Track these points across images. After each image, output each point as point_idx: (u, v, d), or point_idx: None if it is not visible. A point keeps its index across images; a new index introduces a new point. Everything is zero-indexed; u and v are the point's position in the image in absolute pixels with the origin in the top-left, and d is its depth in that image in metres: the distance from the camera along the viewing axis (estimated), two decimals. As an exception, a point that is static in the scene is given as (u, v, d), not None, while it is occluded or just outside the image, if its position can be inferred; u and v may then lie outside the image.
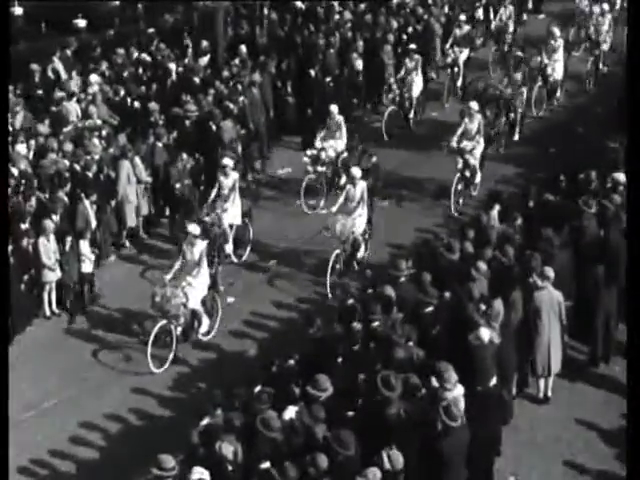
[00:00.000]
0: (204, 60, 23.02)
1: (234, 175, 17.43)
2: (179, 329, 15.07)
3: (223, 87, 21.20)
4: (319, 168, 19.25)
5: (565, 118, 23.50)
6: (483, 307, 13.04)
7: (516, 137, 22.30)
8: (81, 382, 14.70)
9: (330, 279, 16.64)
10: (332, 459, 10.68)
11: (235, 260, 17.72)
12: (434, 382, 11.66)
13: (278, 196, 20.32)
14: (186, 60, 22.89)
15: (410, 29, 25.43)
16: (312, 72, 22.44)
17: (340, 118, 19.67)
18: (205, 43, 23.29)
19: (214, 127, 19.59)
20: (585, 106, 24.30)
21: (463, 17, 25.59)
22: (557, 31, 23.95)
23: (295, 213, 19.39)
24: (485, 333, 12.44)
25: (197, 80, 21.53)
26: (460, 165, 19.29)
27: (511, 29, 27.20)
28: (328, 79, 22.71)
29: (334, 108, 19.68)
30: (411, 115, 23.24)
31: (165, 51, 22.74)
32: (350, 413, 11.70)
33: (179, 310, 14.82)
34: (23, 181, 16.86)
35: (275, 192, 20.53)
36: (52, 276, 16.07)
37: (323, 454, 10.68)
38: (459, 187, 19.40)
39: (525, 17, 30.64)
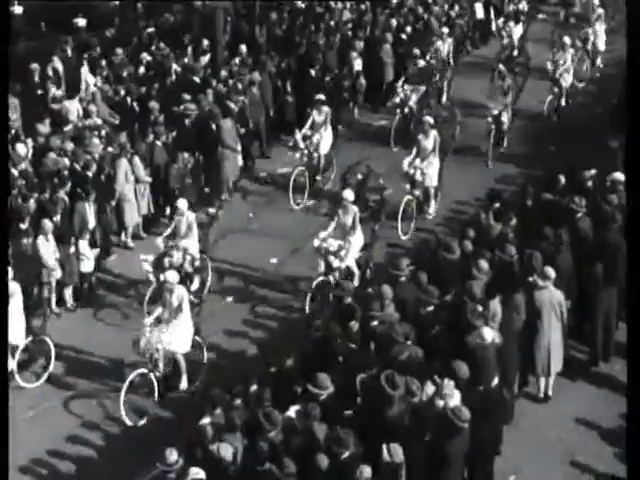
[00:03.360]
0: (204, 59, 23.03)
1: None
2: None
3: (221, 86, 21.21)
4: (161, 276, 15.16)
5: (565, 117, 23.47)
6: (480, 308, 13.03)
7: (430, 216, 19.07)
8: (81, 381, 14.68)
9: (124, 407, 13.71)
10: (332, 458, 10.71)
11: None
12: (434, 385, 11.71)
13: (119, 302, 16.79)
14: (186, 59, 22.88)
15: (409, 28, 25.47)
16: (312, 71, 22.44)
17: (191, 215, 16.20)
18: (205, 42, 23.29)
19: (214, 126, 19.59)
20: (585, 105, 24.29)
21: (417, 51, 22.87)
22: (504, 70, 21.73)
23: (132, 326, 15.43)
24: (488, 333, 12.45)
25: (197, 79, 21.53)
26: (322, 268, 16.00)
27: (448, 73, 24.56)
28: (328, 78, 22.72)
29: (182, 204, 16.09)
30: (319, 177, 20.01)
31: (165, 50, 22.75)
32: (349, 412, 11.72)
33: None
34: (23, 181, 16.87)
35: (116, 296, 16.97)
36: (52, 275, 16.05)
37: (323, 454, 10.71)
38: (324, 292, 15.72)
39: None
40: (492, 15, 28.93)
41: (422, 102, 22.28)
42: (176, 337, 13.97)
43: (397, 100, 22.05)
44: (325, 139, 19.77)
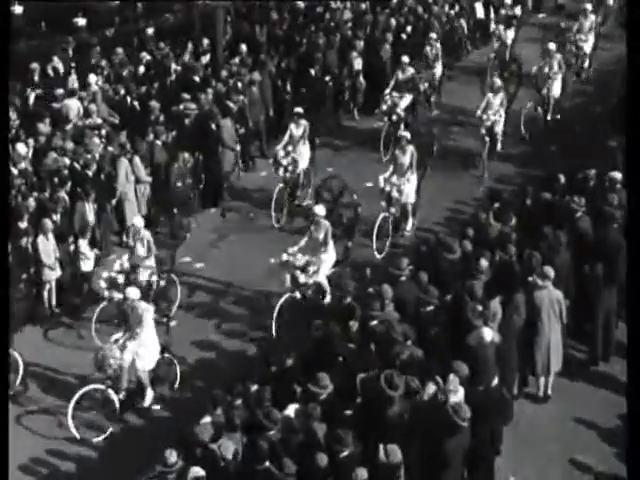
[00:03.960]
0: (205, 59, 23.03)
1: None
2: None
3: (221, 85, 21.22)
4: (115, 294, 14.98)
5: (564, 117, 23.46)
6: (480, 308, 13.04)
7: (407, 233, 18.48)
8: (81, 380, 14.58)
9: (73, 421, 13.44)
10: (332, 457, 10.71)
11: None
12: (435, 385, 11.70)
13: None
14: (186, 57, 22.88)
15: (409, 28, 25.44)
16: (312, 71, 22.43)
17: (147, 233, 15.75)
18: (206, 41, 23.30)
19: (213, 126, 19.59)
20: (584, 105, 24.28)
21: (406, 59, 21.96)
22: (498, 81, 20.90)
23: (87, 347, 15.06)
24: (487, 333, 12.46)
25: (197, 79, 21.53)
26: (288, 283, 15.63)
27: (438, 73, 23.71)
28: (328, 78, 22.73)
29: (138, 221, 15.81)
30: (298, 192, 19.35)
31: (165, 50, 22.76)
32: (348, 412, 11.73)
33: None
34: (22, 180, 16.89)
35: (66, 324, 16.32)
36: (52, 275, 16.07)
37: (322, 453, 10.72)
38: (290, 305, 15.48)
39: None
40: (492, 15, 28.81)
41: (409, 110, 21.85)
42: (138, 354, 13.73)
43: (384, 108, 21.38)
44: (303, 154, 19.18)
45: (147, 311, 13.87)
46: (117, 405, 13.76)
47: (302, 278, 15.44)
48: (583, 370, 14.65)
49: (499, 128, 20.69)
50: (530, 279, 13.83)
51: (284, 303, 15.42)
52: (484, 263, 13.96)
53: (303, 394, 11.93)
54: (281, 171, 18.86)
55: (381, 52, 24.03)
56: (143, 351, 13.81)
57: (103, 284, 15.30)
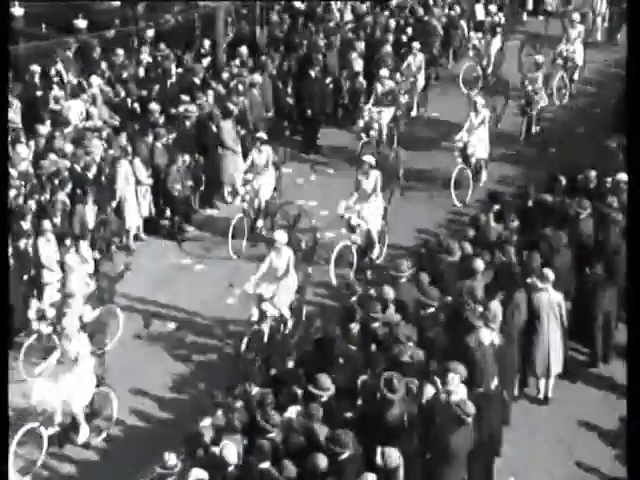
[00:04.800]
0: (205, 60, 23.03)
1: None
2: None
3: (221, 87, 21.23)
4: (43, 327, 14.66)
5: (565, 118, 23.47)
6: (480, 309, 13.04)
7: (374, 256, 17.24)
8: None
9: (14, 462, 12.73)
10: (332, 459, 10.72)
11: None
12: (437, 384, 11.71)
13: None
14: (186, 60, 22.88)
15: (410, 29, 25.42)
16: (312, 73, 22.43)
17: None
18: (207, 43, 23.31)
19: (214, 127, 19.60)
20: (585, 106, 24.28)
21: (385, 72, 21.46)
22: (481, 100, 19.96)
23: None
24: (485, 335, 12.46)
25: (197, 80, 21.55)
26: (255, 317, 14.86)
27: (420, 86, 23.22)
28: (328, 80, 22.73)
29: (76, 266, 15.15)
30: (259, 224, 18.17)
31: (165, 51, 22.77)
32: (349, 414, 11.73)
33: None
34: (22, 182, 16.90)
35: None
36: (52, 276, 16.06)
37: (322, 454, 10.72)
38: (258, 337, 14.84)
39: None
40: (494, 17, 28.69)
41: (391, 124, 21.31)
42: (73, 389, 13.07)
43: (361, 124, 20.64)
44: (266, 182, 18.04)
45: (84, 344, 13.24)
46: (45, 443, 13.00)
47: (270, 310, 14.85)
48: (583, 371, 14.66)
49: (480, 151, 19.64)
50: (529, 281, 13.84)
51: (251, 336, 14.76)
52: (479, 263, 13.96)
53: (304, 396, 11.94)
54: (238, 200, 18.12)
55: (382, 53, 23.95)
56: (77, 386, 13.15)
57: (33, 316, 14.86)
